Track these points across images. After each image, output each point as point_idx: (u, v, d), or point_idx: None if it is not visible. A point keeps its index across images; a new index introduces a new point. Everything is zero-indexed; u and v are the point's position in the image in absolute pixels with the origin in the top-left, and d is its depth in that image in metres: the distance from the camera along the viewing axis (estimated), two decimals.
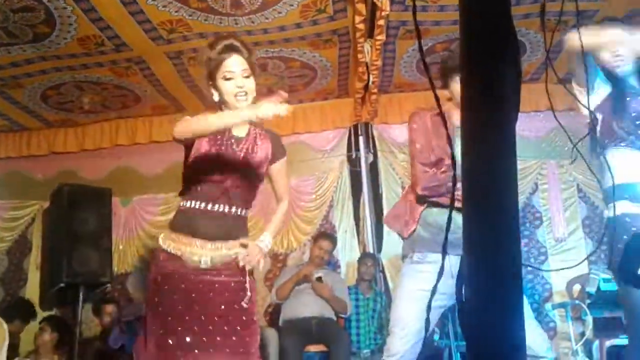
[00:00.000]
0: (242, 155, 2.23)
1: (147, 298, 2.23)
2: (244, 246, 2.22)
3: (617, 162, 2.27)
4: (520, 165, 4.99)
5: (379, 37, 3.71)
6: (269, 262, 5.34)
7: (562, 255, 4.90)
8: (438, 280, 0.88)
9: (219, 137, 2.23)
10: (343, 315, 4.31)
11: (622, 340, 3.71)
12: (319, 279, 4.27)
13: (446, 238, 0.80)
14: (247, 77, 2.20)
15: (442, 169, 2.38)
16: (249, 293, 2.18)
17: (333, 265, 4.96)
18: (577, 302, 4.08)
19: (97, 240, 3.63)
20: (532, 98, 4.62)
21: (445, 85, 2.47)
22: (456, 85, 2.41)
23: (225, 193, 2.19)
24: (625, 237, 2.19)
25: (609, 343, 3.80)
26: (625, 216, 2.22)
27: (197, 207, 2.20)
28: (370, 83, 4.40)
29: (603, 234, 2.58)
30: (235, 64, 2.18)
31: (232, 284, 2.18)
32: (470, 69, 0.71)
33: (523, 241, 5.05)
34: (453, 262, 2.22)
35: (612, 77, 2.36)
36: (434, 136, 2.43)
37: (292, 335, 4.10)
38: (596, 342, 3.87)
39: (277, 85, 4.89)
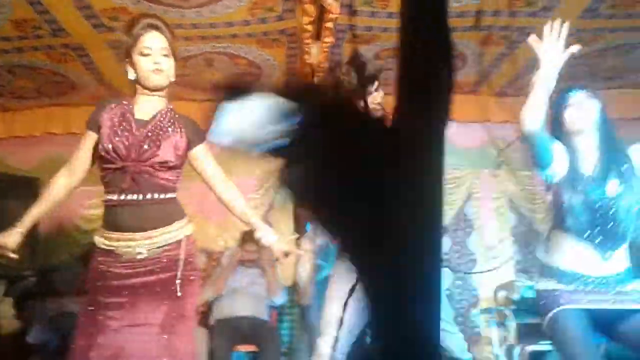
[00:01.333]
0: (142, 139, 2.14)
1: (82, 296, 2.16)
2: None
3: (561, 245, 2.31)
4: (455, 174, 5.17)
5: (326, 40, 3.73)
6: (203, 260, 5.27)
7: (490, 263, 5.08)
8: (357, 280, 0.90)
9: (122, 122, 2.16)
10: (275, 302, 4.29)
11: (543, 346, 3.90)
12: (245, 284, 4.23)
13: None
14: (166, 55, 2.17)
15: None
16: (178, 292, 2.11)
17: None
18: (501, 308, 4.25)
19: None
20: (470, 109, 4.78)
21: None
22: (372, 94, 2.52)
23: (132, 180, 2.10)
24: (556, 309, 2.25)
25: (529, 348, 3.99)
26: (555, 291, 2.28)
27: (111, 198, 2.14)
28: None
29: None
30: (153, 40, 2.15)
31: (165, 279, 2.11)
32: (405, 79, 0.73)
33: (455, 248, 5.21)
34: None
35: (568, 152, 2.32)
36: None
37: (222, 335, 4.05)
38: (518, 347, 4.04)
39: (223, 81, 4.83)
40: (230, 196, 2.33)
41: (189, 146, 2.25)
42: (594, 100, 2.33)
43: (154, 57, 2.14)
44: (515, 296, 4.26)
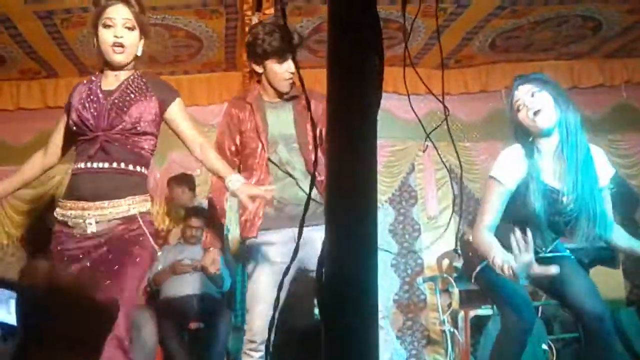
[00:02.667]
0: (111, 107, 2.12)
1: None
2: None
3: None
4: (399, 146, 5.24)
5: (267, 11, 3.67)
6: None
7: (434, 232, 5.21)
8: (295, 252, 0.90)
9: (89, 95, 2.15)
10: (220, 290, 4.27)
11: (484, 311, 4.06)
12: (189, 266, 4.17)
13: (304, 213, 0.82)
14: (130, 29, 2.11)
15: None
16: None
17: None
18: (445, 275, 4.38)
19: None
20: (412, 81, 4.82)
21: (259, 62, 2.54)
22: (273, 66, 2.51)
23: (101, 148, 2.08)
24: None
25: (472, 313, 4.14)
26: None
27: (77, 167, 2.12)
28: None
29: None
30: (117, 12, 2.10)
31: (112, 258, 2.03)
32: (334, 54, 0.72)
33: (399, 219, 5.31)
34: (297, 231, 2.35)
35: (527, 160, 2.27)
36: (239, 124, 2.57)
37: (171, 315, 4.02)
38: (461, 313, 4.19)
39: (161, 54, 4.69)
40: (203, 154, 2.26)
41: (163, 108, 2.20)
42: (541, 94, 2.22)
43: (115, 30, 2.09)
44: (458, 264, 4.38)
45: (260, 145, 2.50)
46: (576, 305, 2.32)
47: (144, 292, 4.62)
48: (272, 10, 3.66)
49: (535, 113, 2.20)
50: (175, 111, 2.23)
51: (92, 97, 2.14)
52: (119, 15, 2.10)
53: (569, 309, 2.47)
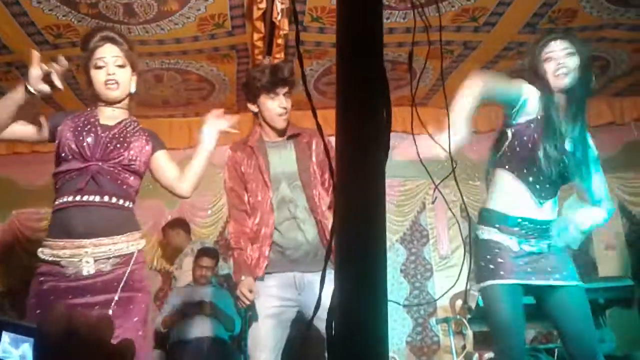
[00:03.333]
0: (108, 140, 2.11)
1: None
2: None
3: (504, 186, 2.39)
4: (409, 185, 5.24)
5: (277, 56, 3.74)
6: (159, 280, 5.16)
7: (446, 272, 5.15)
8: (320, 294, 0.87)
9: (86, 124, 2.13)
10: (232, 333, 4.22)
11: None
12: (202, 304, 4.14)
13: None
14: (121, 66, 2.14)
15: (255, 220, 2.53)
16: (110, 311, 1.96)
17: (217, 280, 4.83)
18: (458, 317, 4.30)
19: None
20: (422, 121, 4.84)
21: (253, 101, 2.62)
22: (266, 102, 2.58)
23: (92, 180, 2.04)
24: (488, 256, 2.34)
25: (487, 356, 4.05)
26: (491, 242, 2.36)
27: (64, 201, 2.03)
28: None
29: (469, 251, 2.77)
30: (107, 52, 2.13)
31: (109, 298, 1.97)
32: (343, 101, 0.73)
33: (410, 258, 5.26)
34: (298, 277, 2.36)
35: (544, 100, 2.35)
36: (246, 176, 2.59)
37: (183, 358, 3.97)
38: (476, 355, 4.10)
39: (173, 97, 4.78)
40: (183, 181, 2.28)
41: (152, 152, 2.24)
42: (573, 58, 2.31)
43: (107, 68, 2.12)
44: (472, 305, 4.32)
45: (262, 185, 2.52)
46: (568, 338, 2.28)
47: (154, 335, 4.59)
48: (282, 55, 3.73)
49: (566, 73, 2.29)
50: (164, 155, 2.29)
51: (89, 127, 2.13)
52: (109, 54, 2.13)
53: (560, 338, 2.43)
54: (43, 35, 3.56)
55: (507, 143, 2.38)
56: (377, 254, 0.67)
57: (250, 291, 2.40)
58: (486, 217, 2.43)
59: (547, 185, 2.34)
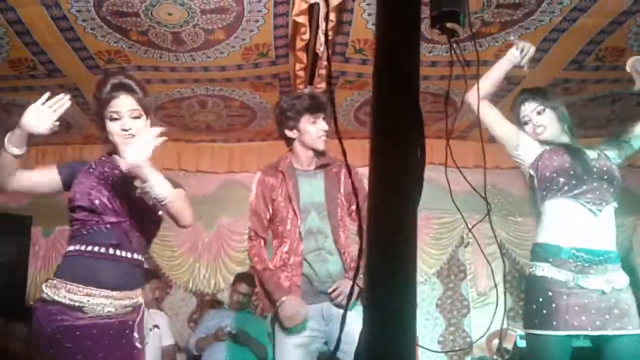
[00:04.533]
0: (137, 194, 2.05)
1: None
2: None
3: (553, 213, 2.35)
4: (447, 218, 5.16)
5: (318, 85, 3.78)
6: (194, 302, 5.20)
7: (483, 309, 5.02)
8: (342, 332, 0.87)
9: (108, 175, 2.09)
10: None
11: None
12: (231, 334, 4.12)
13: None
14: (136, 117, 2.06)
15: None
16: (138, 345, 2.00)
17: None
18: (495, 358, 4.17)
19: (11, 271, 3.44)
20: (462, 154, 4.80)
21: (294, 126, 2.66)
22: (307, 126, 2.62)
23: (126, 237, 2.02)
24: (540, 299, 2.25)
25: None
26: (545, 280, 2.26)
27: (94, 250, 2.00)
28: None
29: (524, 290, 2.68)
30: (122, 104, 2.05)
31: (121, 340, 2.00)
32: (378, 133, 0.74)
33: (447, 293, 5.15)
34: (325, 308, 2.27)
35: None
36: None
37: None
38: None
39: (216, 122, 4.88)
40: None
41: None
42: (546, 114, 2.46)
43: (122, 122, 2.04)
44: (509, 345, 4.18)
45: (292, 213, 2.53)
46: None
47: (185, 356, 4.61)
48: (323, 85, 3.77)
49: (543, 131, 2.46)
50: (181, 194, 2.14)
51: (116, 178, 2.08)
52: (125, 107, 2.04)
53: None
54: (95, 60, 3.71)
55: (536, 182, 2.41)
56: (407, 293, 0.67)
57: (298, 313, 2.39)
58: (538, 252, 2.35)
59: (595, 184, 2.31)
